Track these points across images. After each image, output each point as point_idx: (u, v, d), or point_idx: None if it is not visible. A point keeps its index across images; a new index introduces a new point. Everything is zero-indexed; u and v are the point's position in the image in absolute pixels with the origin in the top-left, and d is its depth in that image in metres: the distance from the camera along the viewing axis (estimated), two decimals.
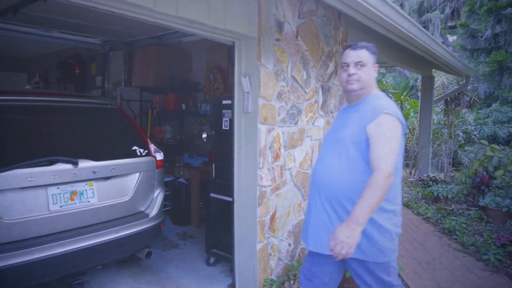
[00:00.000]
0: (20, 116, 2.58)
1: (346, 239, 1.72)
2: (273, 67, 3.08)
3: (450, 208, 5.13)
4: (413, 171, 8.47)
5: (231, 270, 3.37)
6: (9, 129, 2.49)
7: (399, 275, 3.37)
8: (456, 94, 8.17)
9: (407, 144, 8.49)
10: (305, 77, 3.52)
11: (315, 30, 3.63)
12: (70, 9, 2.95)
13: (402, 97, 8.82)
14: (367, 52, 2.02)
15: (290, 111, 3.35)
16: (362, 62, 1.99)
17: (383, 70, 18.14)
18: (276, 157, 3.20)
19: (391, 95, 9.19)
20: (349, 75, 2.00)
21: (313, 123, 3.72)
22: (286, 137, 3.32)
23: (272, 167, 3.17)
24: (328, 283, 2.16)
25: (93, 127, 2.96)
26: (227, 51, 5.03)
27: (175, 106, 5.28)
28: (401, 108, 8.69)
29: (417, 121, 8.75)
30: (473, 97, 9.43)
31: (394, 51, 5.82)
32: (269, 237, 3.20)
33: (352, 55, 2.01)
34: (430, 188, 6.00)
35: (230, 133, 3.24)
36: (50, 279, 2.54)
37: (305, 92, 3.55)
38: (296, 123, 3.44)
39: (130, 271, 3.50)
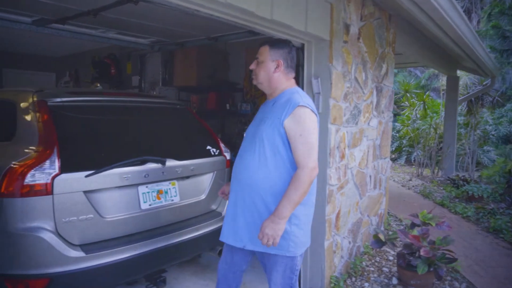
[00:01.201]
0: (109, 117, 2.65)
1: (271, 232, 1.84)
2: (341, 68, 3.14)
3: (490, 207, 5.20)
4: (435, 170, 8.52)
5: None
6: (103, 129, 2.56)
7: (459, 272, 3.46)
8: (480, 94, 8.25)
9: (428, 144, 8.56)
10: (364, 78, 3.58)
11: (372, 32, 3.69)
12: (140, 10, 3.00)
13: (424, 97, 8.89)
14: (268, 48, 2.03)
15: (353, 112, 3.41)
16: (259, 59, 2.04)
17: (393, 70, 18.23)
18: (342, 156, 3.27)
19: (414, 95, 9.27)
20: (251, 70, 2.07)
21: (368, 123, 3.78)
22: (350, 137, 3.39)
23: (338, 166, 3.23)
24: (244, 270, 2.24)
25: (169, 127, 3.02)
26: None
27: (216, 106, 5.34)
28: (424, 108, 8.76)
29: (436, 120, 8.83)
30: (496, 97, 9.51)
31: (428, 51, 5.91)
32: (334, 235, 3.27)
33: (257, 52, 2.07)
34: (463, 187, 6.07)
35: None
36: (140, 275, 2.61)
37: (364, 93, 3.62)
38: (356, 123, 3.50)
39: (191, 269, 3.55)
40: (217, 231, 3.00)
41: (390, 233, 4.22)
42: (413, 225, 3.39)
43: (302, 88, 3.16)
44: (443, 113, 8.81)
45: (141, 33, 4.02)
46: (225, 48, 5.39)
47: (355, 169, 3.57)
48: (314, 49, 3.06)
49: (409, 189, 7.16)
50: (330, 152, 3.05)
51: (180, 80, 5.35)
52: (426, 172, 8.72)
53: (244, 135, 2.18)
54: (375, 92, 3.86)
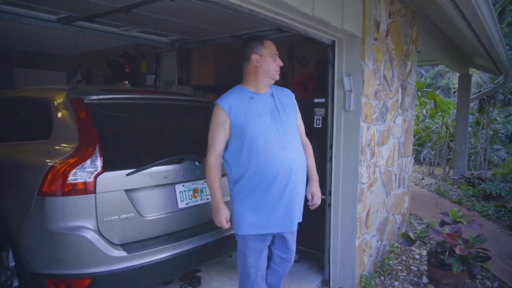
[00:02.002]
0: (144, 114, 2.62)
1: (320, 194, 2.38)
2: (372, 65, 3.12)
3: (510, 206, 5.18)
4: (446, 169, 8.49)
5: (321, 266, 3.40)
6: (139, 126, 2.53)
7: (489, 271, 3.43)
8: (492, 92, 8.23)
9: (440, 142, 8.52)
10: (391, 75, 3.56)
11: (399, 29, 3.66)
12: (170, 6, 2.96)
13: (435, 95, 8.87)
14: None
15: (381, 109, 3.39)
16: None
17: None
18: (372, 154, 3.24)
19: (424, 93, 9.25)
20: (279, 65, 2.19)
21: (394, 121, 3.76)
22: (379, 135, 3.36)
23: (369, 165, 3.21)
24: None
25: (201, 125, 2.97)
26: (287, 50, 5.08)
27: None
28: (435, 106, 8.74)
29: (448, 119, 8.81)
30: (508, 95, 9.48)
31: (444, 49, 5.89)
32: (364, 234, 3.24)
33: (275, 48, 2.20)
34: (480, 186, 6.05)
35: (323, 131, 3.26)
36: (179, 275, 2.58)
37: (390, 90, 3.59)
38: (384, 121, 3.47)
39: (217, 269, 3.52)
40: None
41: (414, 231, 4.20)
42: (442, 223, 3.36)
43: (332, 86, 3.14)
44: (453, 111, 8.80)
45: (163, 30, 3.99)
46: (234, 45, 5.34)
47: (383, 167, 3.54)
48: (345, 46, 3.03)
49: (422, 188, 7.13)
50: (361, 150, 3.03)
51: (197, 79, 5.30)
52: (437, 170, 8.69)
53: (259, 128, 2.12)
54: (400, 90, 3.84)
